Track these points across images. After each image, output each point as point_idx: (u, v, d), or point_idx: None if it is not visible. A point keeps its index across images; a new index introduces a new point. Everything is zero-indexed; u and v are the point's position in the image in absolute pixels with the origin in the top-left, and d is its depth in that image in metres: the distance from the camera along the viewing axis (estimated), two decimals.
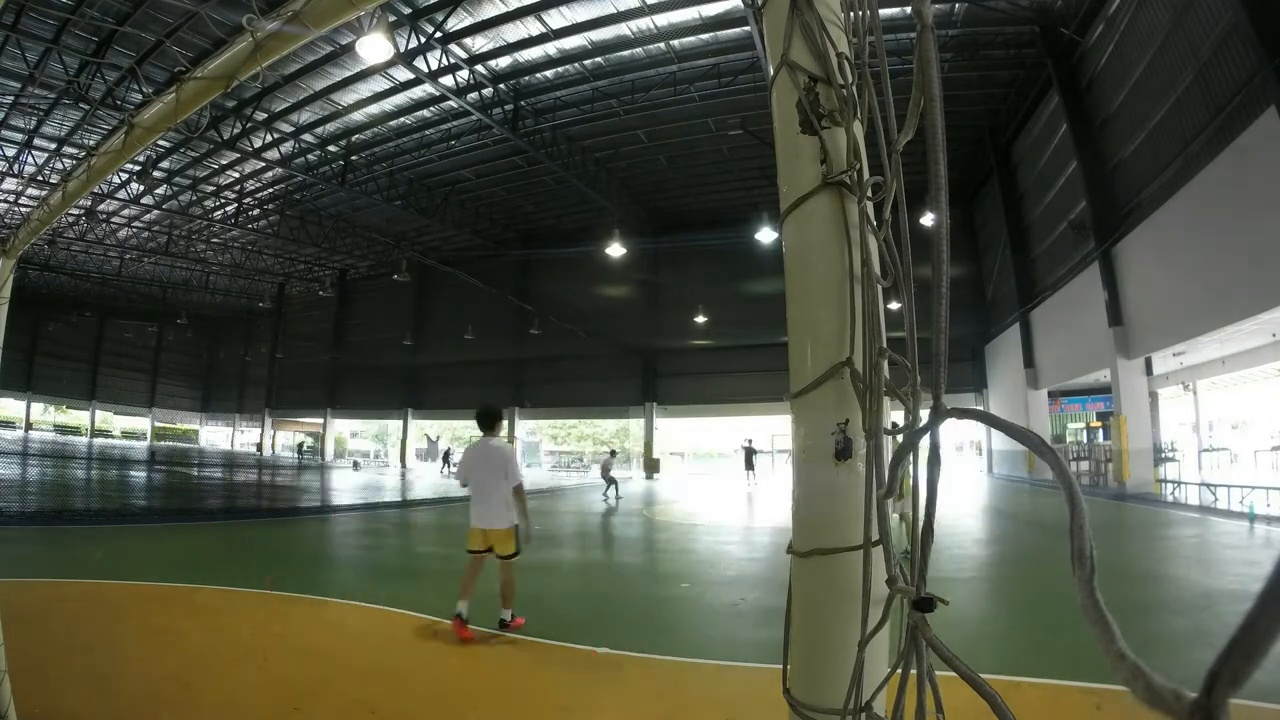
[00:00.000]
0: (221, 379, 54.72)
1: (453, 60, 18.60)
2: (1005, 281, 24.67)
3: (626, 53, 19.04)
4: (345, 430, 46.19)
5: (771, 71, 0.94)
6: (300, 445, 44.41)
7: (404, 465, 37.83)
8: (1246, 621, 0.27)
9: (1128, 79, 15.44)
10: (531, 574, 7.91)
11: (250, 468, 29.77)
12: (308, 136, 23.68)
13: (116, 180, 26.40)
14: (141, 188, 26.49)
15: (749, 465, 25.62)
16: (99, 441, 47.82)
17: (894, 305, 0.90)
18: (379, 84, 20.75)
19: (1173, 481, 16.18)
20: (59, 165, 24.79)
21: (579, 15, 17.33)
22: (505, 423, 5.54)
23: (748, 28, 16.68)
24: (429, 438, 41.57)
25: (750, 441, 26.25)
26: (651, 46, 18.65)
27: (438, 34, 17.25)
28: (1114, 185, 16.76)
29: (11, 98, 20.98)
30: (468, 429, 40.88)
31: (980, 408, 26.36)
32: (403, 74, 19.34)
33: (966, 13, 17.40)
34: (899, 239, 0.86)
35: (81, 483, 17.56)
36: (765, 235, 23.05)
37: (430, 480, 26.08)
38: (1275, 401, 20.88)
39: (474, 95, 19.90)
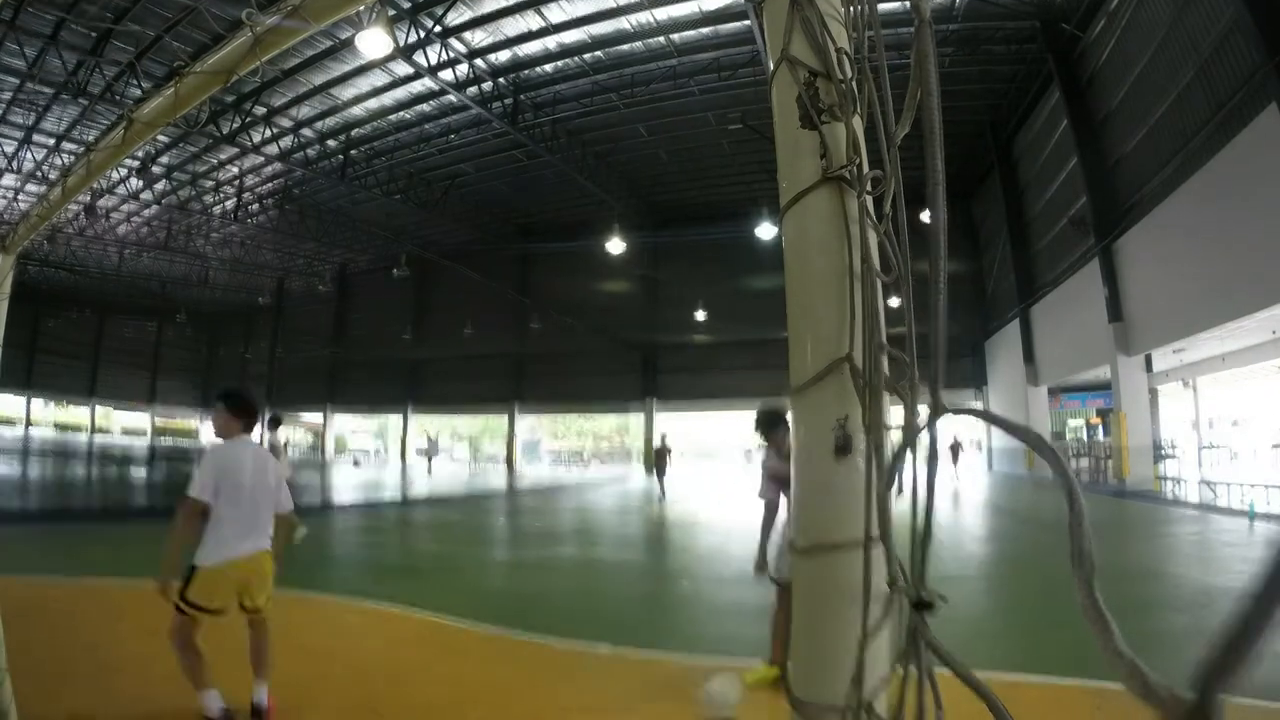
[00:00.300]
0: (222, 375, 54.65)
1: (452, 54, 18.55)
2: (1005, 277, 24.65)
3: (626, 47, 18.99)
4: (345, 427, 46.14)
5: (771, 66, 0.93)
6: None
7: (404, 462, 37.87)
8: (1239, 619, 0.27)
9: (1129, 75, 15.40)
10: (532, 573, 7.94)
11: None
12: (307, 131, 23.63)
13: (116, 176, 26.34)
14: (141, 183, 26.48)
15: (659, 471, 19.37)
16: (99, 439, 47.85)
17: (894, 301, 0.90)
18: (378, 78, 20.70)
19: (1173, 478, 16.19)
20: (58, 161, 24.73)
21: (578, 9, 17.28)
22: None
23: (747, 22, 16.64)
24: (429, 435, 41.58)
25: (664, 438, 21.17)
26: (651, 40, 18.61)
27: (437, 28, 17.20)
28: (1114, 181, 16.74)
29: (10, 93, 20.93)
30: (468, 425, 40.85)
31: (980, 404, 26.40)
32: (402, 68, 19.28)
33: (967, 8, 17.35)
34: (899, 234, 0.86)
35: (82, 481, 17.57)
36: (765, 230, 23.01)
37: (430, 478, 26.10)
38: (1276, 398, 20.89)
39: (473, 89, 19.85)
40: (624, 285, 32.10)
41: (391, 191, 26.69)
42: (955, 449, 15.12)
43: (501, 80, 20.39)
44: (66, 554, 7.38)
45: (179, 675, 3.37)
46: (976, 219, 28.05)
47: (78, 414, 52.42)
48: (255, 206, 30.67)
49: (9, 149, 24.11)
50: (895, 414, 0.83)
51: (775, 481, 3.95)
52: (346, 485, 20.29)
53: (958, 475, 14.96)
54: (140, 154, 23.88)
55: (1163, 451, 19.12)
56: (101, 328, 51.16)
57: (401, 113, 22.89)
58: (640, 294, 32.36)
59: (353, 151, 24.75)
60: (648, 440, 32.87)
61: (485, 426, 39.84)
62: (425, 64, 17.70)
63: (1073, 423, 26.46)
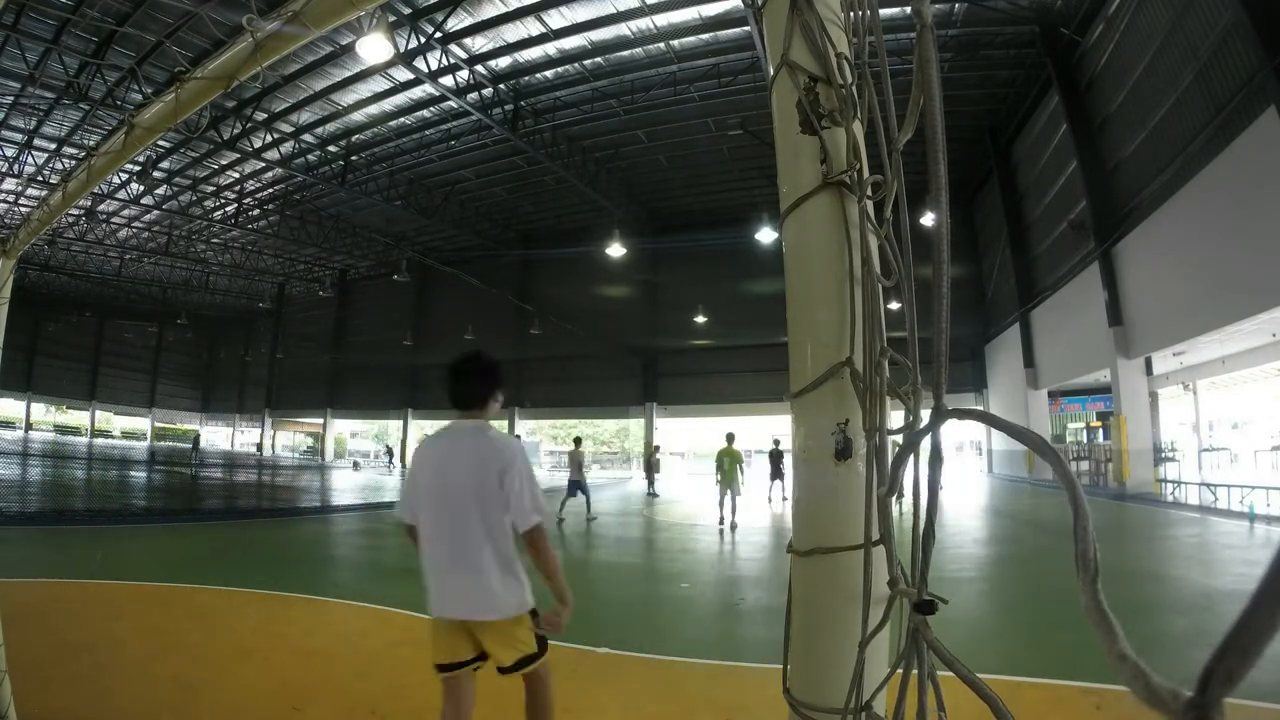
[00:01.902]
0: (221, 379, 54.72)
1: (452, 60, 18.59)
2: (1005, 281, 24.66)
3: (626, 53, 19.03)
4: (345, 430, 46.14)
5: (771, 71, 0.94)
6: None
7: (404, 465, 37.85)
8: (1240, 620, 0.27)
9: (1127, 79, 15.43)
10: (531, 575, 7.92)
11: (250, 468, 29.77)
12: (308, 137, 23.67)
13: (116, 180, 26.39)
14: (141, 188, 26.49)
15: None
16: (99, 442, 47.84)
17: (894, 305, 0.90)
18: (379, 84, 20.74)
19: (1173, 481, 16.17)
20: (59, 165, 24.78)
21: (579, 15, 17.32)
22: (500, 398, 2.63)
23: (748, 28, 16.67)
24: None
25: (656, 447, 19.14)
26: (651, 46, 18.64)
27: (437, 34, 17.24)
28: (1114, 185, 16.75)
29: (11, 98, 20.98)
30: None
31: (980, 408, 26.37)
32: (403, 74, 19.32)
33: (966, 12, 17.39)
34: (899, 238, 0.86)
35: (81, 483, 17.56)
36: (765, 235, 23.03)
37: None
38: (1275, 401, 20.88)
39: (474, 95, 19.89)
40: (624, 290, 32.11)
41: (392, 197, 26.73)
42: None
43: (502, 86, 20.43)
44: (66, 556, 7.37)
45: (178, 677, 3.36)
46: (976, 223, 28.07)
47: (78, 417, 52.42)
48: (256, 212, 30.71)
49: (10, 153, 24.14)
50: (895, 418, 0.83)
51: None
52: (347, 488, 20.27)
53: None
54: (141, 159, 23.90)
55: (1163, 454, 19.09)
56: (101, 331, 51.20)
57: (402, 119, 22.93)
58: (640, 299, 32.37)
59: (353, 157, 24.79)
60: (648, 444, 32.87)
61: None
62: (425, 70, 17.73)
63: (1073, 426, 26.44)
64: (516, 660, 2.44)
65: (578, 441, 14.08)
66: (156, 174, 25.33)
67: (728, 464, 12.13)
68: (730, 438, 12.79)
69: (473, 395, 2.53)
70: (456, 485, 2.40)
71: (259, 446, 46.84)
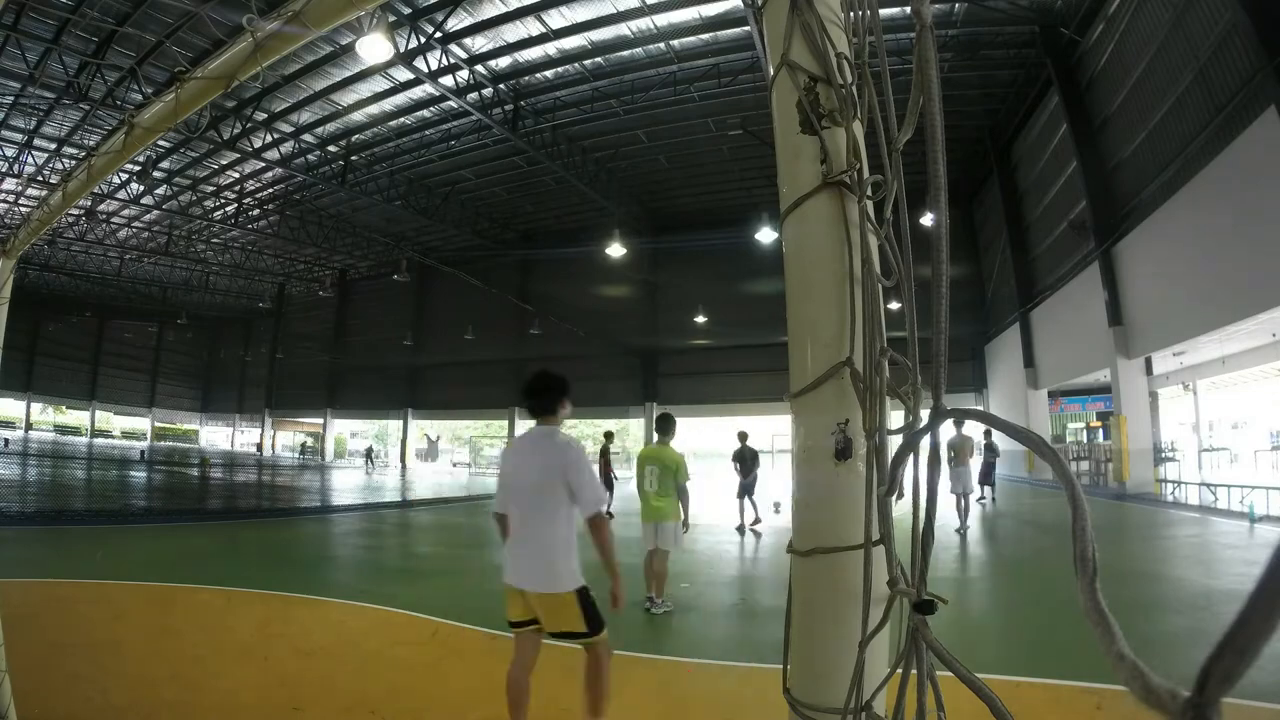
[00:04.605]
0: (221, 379, 54.71)
1: (452, 60, 18.59)
2: (1005, 281, 24.65)
3: (626, 53, 19.03)
4: (345, 430, 46.12)
5: (771, 71, 0.94)
6: (303, 445, 43.10)
7: (404, 465, 37.86)
8: (1239, 620, 0.27)
9: (1127, 79, 15.43)
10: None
11: (250, 468, 29.77)
12: (308, 136, 23.67)
13: (116, 180, 26.39)
14: (141, 188, 26.51)
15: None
16: (99, 442, 47.84)
17: (894, 305, 0.90)
18: (379, 84, 20.74)
19: (1173, 481, 16.17)
20: (59, 165, 24.78)
21: (579, 15, 17.32)
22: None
23: (748, 28, 16.66)
24: (429, 438, 41.54)
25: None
26: (651, 46, 18.64)
27: (438, 34, 17.24)
28: (1114, 185, 16.75)
29: (12, 98, 20.98)
30: (467, 429, 40.73)
31: (980, 408, 26.36)
32: (403, 74, 19.33)
33: (966, 12, 17.38)
34: (899, 238, 0.86)
35: (81, 483, 17.56)
36: (765, 235, 23.00)
37: (429, 480, 26.05)
38: (1275, 401, 20.89)
39: (474, 95, 19.89)
40: (624, 290, 32.09)
41: (392, 197, 26.73)
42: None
43: (502, 86, 20.43)
44: (66, 556, 7.37)
45: (178, 677, 3.36)
46: (976, 223, 28.06)
47: (78, 417, 52.42)
48: (256, 212, 30.71)
49: (10, 153, 24.14)
50: (895, 418, 0.83)
51: None
52: (348, 487, 20.28)
53: None
54: (141, 159, 23.90)
55: (1163, 454, 19.10)
56: (101, 331, 51.20)
57: (402, 119, 22.93)
58: (641, 299, 32.36)
59: (353, 157, 24.78)
60: (647, 443, 32.79)
61: (486, 430, 39.70)
62: (425, 70, 17.73)
63: (1073, 426, 26.46)
64: (562, 631, 2.97)
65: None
66: (156, 174, 25.34)
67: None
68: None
69: (545, 407, 3.11)
70: (531, 480, 2.97)
71: (259, 447, 46.79)
